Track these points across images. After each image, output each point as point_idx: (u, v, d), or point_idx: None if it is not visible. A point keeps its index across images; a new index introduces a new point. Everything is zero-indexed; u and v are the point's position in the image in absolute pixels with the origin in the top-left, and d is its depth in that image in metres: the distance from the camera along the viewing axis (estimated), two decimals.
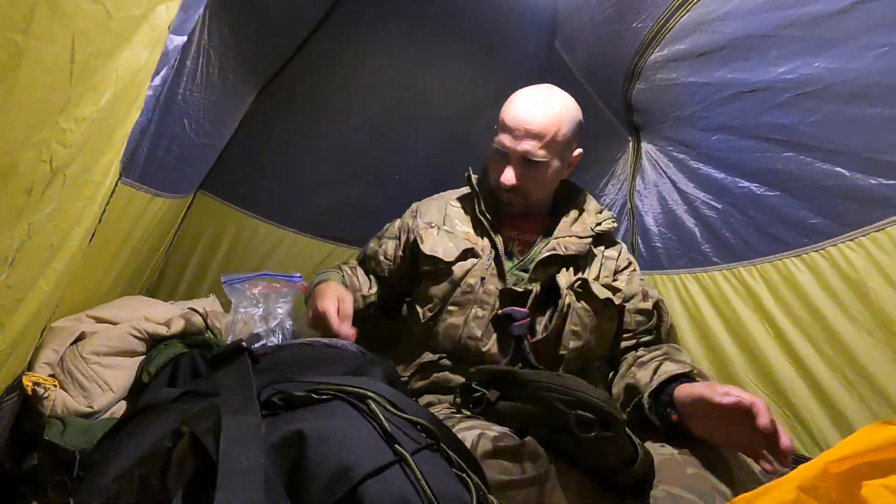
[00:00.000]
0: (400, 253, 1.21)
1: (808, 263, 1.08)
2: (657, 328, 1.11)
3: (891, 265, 0.94)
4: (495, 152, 1.12)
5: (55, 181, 0.56)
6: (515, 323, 1.04)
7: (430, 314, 1.11)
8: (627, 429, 0.75)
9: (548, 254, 1.10)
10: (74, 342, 0.96)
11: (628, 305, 1.11)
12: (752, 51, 1.09)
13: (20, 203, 0.53)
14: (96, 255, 1.01)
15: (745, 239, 1.21)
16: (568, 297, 1.05)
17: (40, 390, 0.84)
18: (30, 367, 0.89)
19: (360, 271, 1.25)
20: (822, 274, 1.05)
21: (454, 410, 0.94)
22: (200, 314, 1.20)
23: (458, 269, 1.10)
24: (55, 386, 0.87)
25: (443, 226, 1.17)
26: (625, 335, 1.11)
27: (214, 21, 1.13)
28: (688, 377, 0.90)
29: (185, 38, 0.90)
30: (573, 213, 1.18)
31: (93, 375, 0.92)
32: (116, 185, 0.96)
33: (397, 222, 1.25)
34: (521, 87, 1.14)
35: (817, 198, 1.06)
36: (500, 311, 1.05)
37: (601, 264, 1.13)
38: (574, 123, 1.10)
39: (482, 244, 1.13)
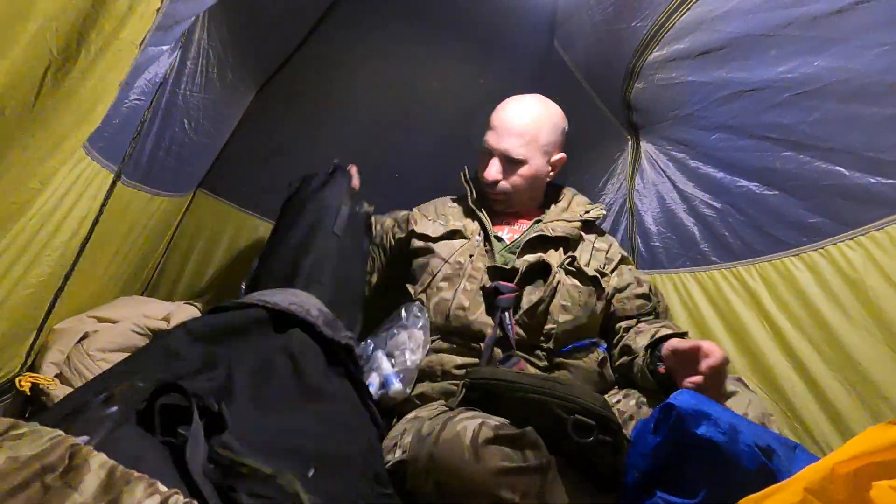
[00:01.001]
0: (395, 230, 1.33)
1: (807, 263, 1.08)
2: (655, 309, 1.19)
3: (890, 264, 0.94)
4: (482, 150, 1.25)
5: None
6: (501, 296, 1.09)
7: (420, 289, 1.19)
8: (624, 433, 0.76)
9: (535, 234, 1.18)
10: (79, 341, 0.98)
11: (625, 293, 1.18)
12: (751, 50, 1.09)
13: None
14: (96, 255, 1.01)
15: (744, 238, 1.21)
16: (558, 274, 1.11)
17: (47, 389, 0.85)
18: (37, 369, 0.91)
19: None
20: (822, 273, 1.05)
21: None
22: (198, 308, 1.21)
23: (445, 246, 1.20)
24: (55, 385, 0.88)
25: (437, 219, 1.28)
26: (624, 320, 1.17)
27: (214, 21, 1.13)
28: (680, 337, 0.97)
29: (165, 49, 0.90)
30: (562, 204, 1.29)
31: (98, 371, 0.94)
32: (116, 184, 0.97)
33: (399, 213, 1.37)
34: (519, 90, 1.26)
35: (816, 197, 1.06)
36: (485, 286, 1.11)
37: (591, 253, 1.20)
38: (557, 129, 1.24)
39: (472, 227, 1.23)
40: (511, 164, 1.22)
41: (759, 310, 1.16)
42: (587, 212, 1.25)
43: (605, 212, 1.29)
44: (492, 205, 1.27)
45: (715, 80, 1.18)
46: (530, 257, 1.14)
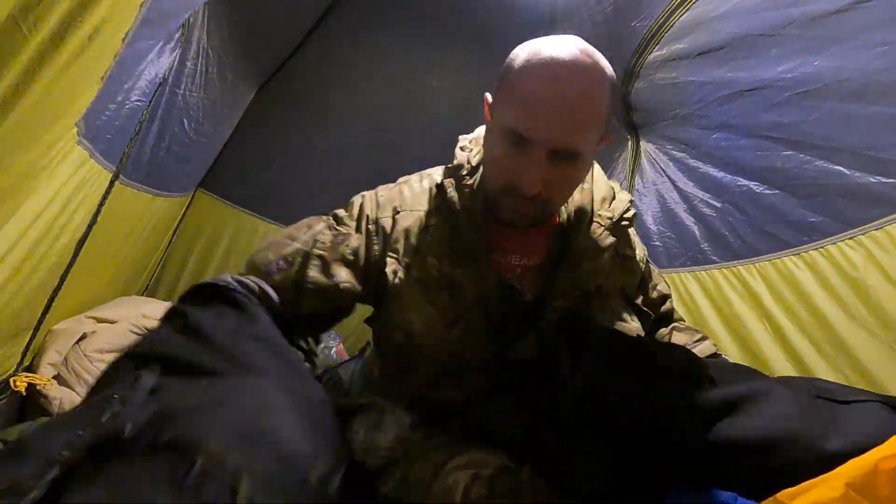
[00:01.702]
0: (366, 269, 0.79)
1: (807, 262, 1.07)
2: (669, 314, 0.93)
3: (890, 263, 0.94)
4: (506, 135, 0.69)
5: None
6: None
7: (413, 394, 0.79)
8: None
9: (574, 294, 0.77)
10: (77, 342, 0.97)
11: (652, 293, 0.92)
12: (751, 50, 1.09)
13: None
14: (96, 255, 1.01)
15: (744, 238, 1.20)
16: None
17: (43, 389, 0.85)
18: (34, 370, 0.91)
19: None
20: (822, 272, 1.05)
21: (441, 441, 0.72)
22: None
23: (439, 347, 0.75)
24: (52, 385, 0.88)
25: (411, 268, 0.77)
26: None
27: (213, 21, 1.13)
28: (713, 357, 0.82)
29: (157, 44, 0.89)
30: (582, 197, 0.84)
31: (97, 373, 0.94)
32: (113, 184, 0.97)
33: (354, 241, 0.78)
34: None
35: (817, 196, 1.06)
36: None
37: (624, 269, 0.84)
38: (610, 91, 0.70)
39: (469, 294, 0.75)
40: (558, 160, 0.68)
41: (760, 309, 1.16)
42: (616, 219, 0.82)
43: (631, 200, 0.85)
44: (506, 221, 0.77)
45: (715, 79, 1.18)
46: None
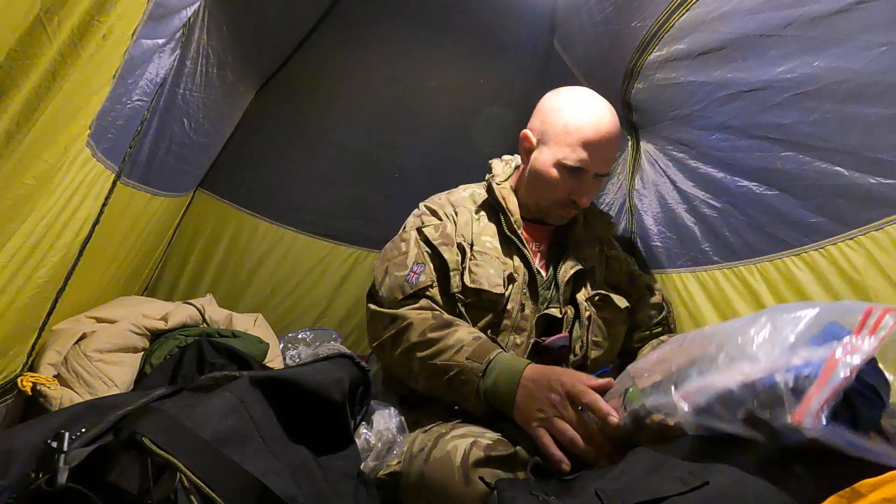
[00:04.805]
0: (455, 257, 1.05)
1: (807, 262, 1.08)
2: (666, 319, 1.16)
3: (891, 264, 0.94)
4: (564, 167, 1.05)
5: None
6: (559, 346, 1.00)
7: None
8: None
9: (573, 271, 1.07)
10: (77, 342, 0.97)
11: (641, 304, 1.15)
12: (751, 50, 1.09)
13: None
14: (96, 255, 1.01)
15: (744, 238, 1.21)
16: (588, 311, 1.04)
17: (44, 389, 0.85)
18: (35, 369, 0.91)
19: (431, 291, 1.02)
20: (822, 273, 1.05)
21: (443, 419, 0.89)
22: (197, 308, 1.21)
23: (503, 298, 1.01)
24: (55, 385, 0.88)
25: (475, 245, 1.06)
26: (638, 331, 1.15)
27: (213, 20, 1.13)
28: None
29: (159, 41, 0.90)
30: (579, 218, 1.17)
31: (97, 372, 0.94)
32: (115, 184, 0.97)
33: (449, 227, 1.08)
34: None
35: (817, 197, 1.06)
36: (542, 341, 1.00)
37: (609, 266, 1.15)
38: None
39: (515, 265, 1.05)
40: (599, 181, 1.10)
41: (761, 309, 1.16)
42: (602, 228, 1.18)
43: (615, 226, 1.21)
44: (553, 222, 1.14)
45: (715, 80, 1.18)
46: (567, 294, 1.05)
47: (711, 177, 1.27)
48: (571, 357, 1.03)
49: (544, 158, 1.07)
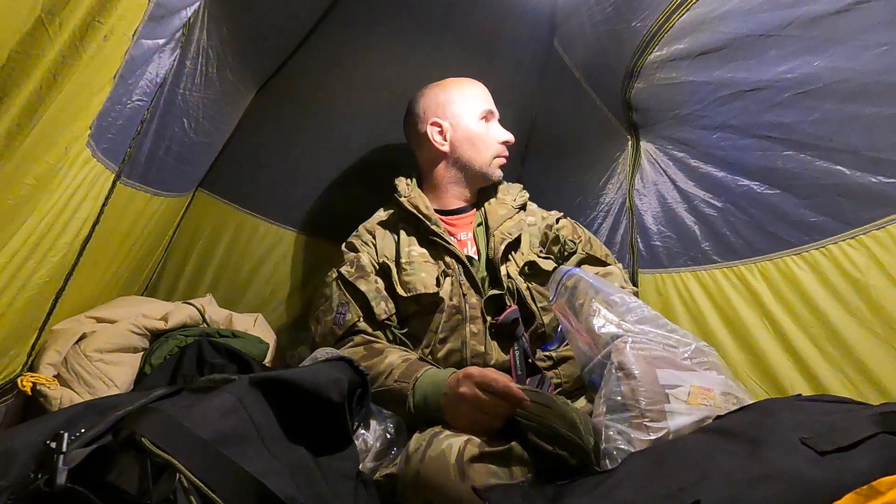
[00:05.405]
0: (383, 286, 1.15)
1: (808, 262, 1.08)
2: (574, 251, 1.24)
3: (892, 263, 0.94)
4: (482, 116, 1.25)
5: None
6: (512, 320, 1.07)
7: (427, 349, 1.09)
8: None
9: (503, 246, 1.15)
10: (77, 342, 0.97)
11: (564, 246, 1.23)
12: (751, 50, 1.09)
13: None
14: (96, 255, 1.01)
15: (745, 237, 1.20)
16: (524, 284, 1.12)
17: (44, 389, 0.85)
18: (35, 369, 0.91)
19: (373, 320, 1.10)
20: (824, 272, 1.05)
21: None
22: (197, 308, 1.21)
23: (442, 294, 1.09)
24: (55, 385, 0.88)
25: (401, 258, 1.15)
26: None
27: (213, 20, 1.13)
28: None
29: (160, 41, 0.90)
30: (491, 198, 1.28)
31: (97, 373, 0.94)
32: (115, 184, 0.96)
33: (364, 257, 1.18)
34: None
35: (818, 196, 1.06)
36: (495, 321, 1.08)
37: (529, 234, 1.21)
38: None
39: (447, 261, 1.14)
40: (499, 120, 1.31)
41: (761, 309, 1.16)
42: (515, 199, 1.27)
43: (527, 194, 1.31)
44: (491, 176, 1.26)
45: (715, 80, 1.18)
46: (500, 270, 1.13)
47: (712, 176, 1.27)
48: (529, 327, 1.10)
49: (465, 124, 1.24)
